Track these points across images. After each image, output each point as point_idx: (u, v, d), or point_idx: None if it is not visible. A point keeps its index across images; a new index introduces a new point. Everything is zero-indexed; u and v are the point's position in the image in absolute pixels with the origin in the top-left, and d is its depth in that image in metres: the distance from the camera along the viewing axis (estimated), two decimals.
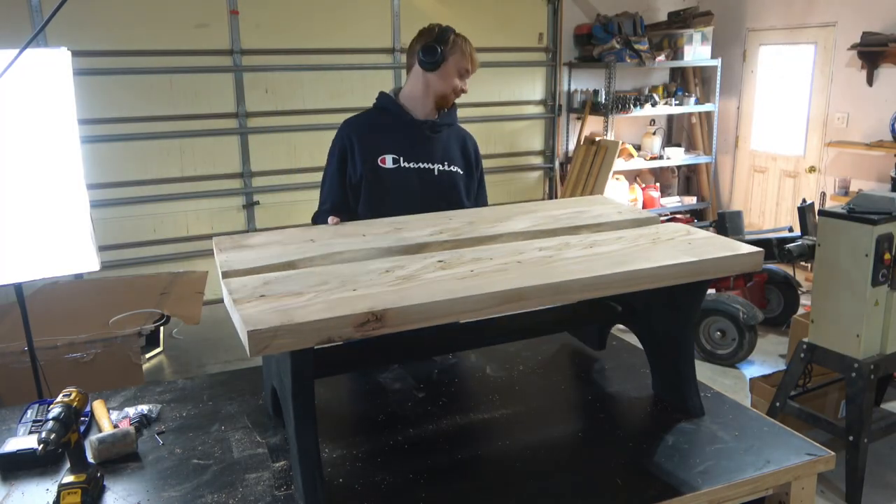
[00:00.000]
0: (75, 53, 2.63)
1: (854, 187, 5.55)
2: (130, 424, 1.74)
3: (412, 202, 2.14)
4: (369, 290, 1.43)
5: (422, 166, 2.25)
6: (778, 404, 3.22)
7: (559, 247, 1.72)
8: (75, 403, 1.48)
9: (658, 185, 6.93)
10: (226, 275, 1.54)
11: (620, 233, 1.85)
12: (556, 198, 6.68)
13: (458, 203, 2.26)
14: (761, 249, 1.69)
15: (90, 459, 1.58)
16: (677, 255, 1.63)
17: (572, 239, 1.79)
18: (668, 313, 1.84)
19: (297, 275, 1.54)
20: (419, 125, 2.26)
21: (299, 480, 1.45)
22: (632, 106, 6.30)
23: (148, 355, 4.49)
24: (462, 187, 2.30)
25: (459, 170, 2.31)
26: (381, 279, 1.49)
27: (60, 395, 1.50)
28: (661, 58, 6.36)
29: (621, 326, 3.01)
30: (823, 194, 5.82)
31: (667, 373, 1.87)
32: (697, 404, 1.80)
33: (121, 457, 1.63)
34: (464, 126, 2.43)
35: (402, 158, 2.23)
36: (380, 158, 2.22)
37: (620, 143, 6.17)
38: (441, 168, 2.27)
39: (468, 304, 1.39)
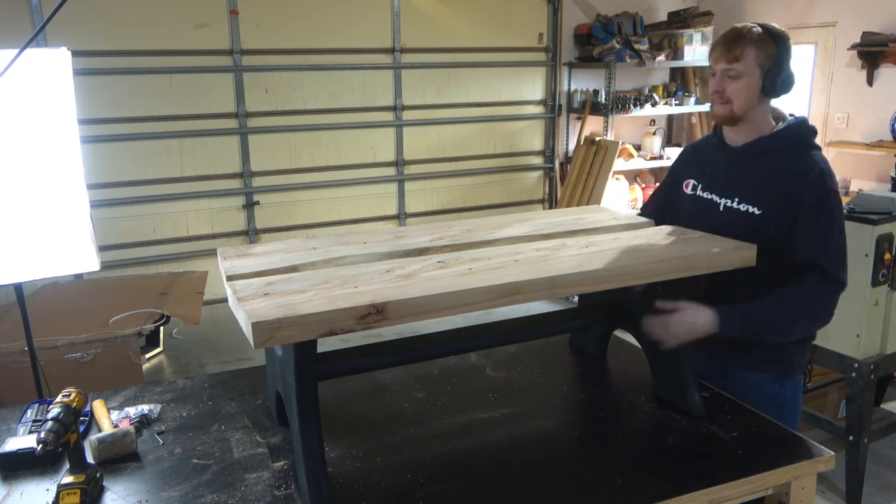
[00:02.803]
0: (75, 53, 2.63)
1: (854, 187, 5.55)
2: (130, 424, 1.74)
3: None
4: (370, 286, 1.45)
5: (711, 198, 1.95)
6: None
7: (556, 247, 1.74)
8: (74, 404, 1.48)
9: (658, 184, 6.93)
10: (230, 278, 1.56)
11: (616, 234, 1.87)
12: (556, 197, 6.69)
13: None
14: (754, 245, 1.70)
15: (90, 459, 1.58)
16: (670, 251, 1.67)
17: (569, 241, 1.82)
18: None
19: (300, 276, 1.56)
20: (726, 151, 1.94)
21: (303, 480, 1.46)
22: (632, 106, 6.30)
23: (148, 355, 4.49)
24: (755, 235, 1.78)
25: (756, 210, 1.84)
26: (381, 277, 1.52)
27: (60, 396, 1.50)
28: (661, 58, 6.36)
29: None
30: None
31: (666, 372, 1.87)
32: (697, 403, 1.80)
33: (120, 456, 1.63)
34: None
35: (700, 186, 1.99)
36: (685, 182, 2.04)
37: (620, 143, 6.17)
38: (728, 204, 1.90)
39: (467, 298, 1.42)
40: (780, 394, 1.92)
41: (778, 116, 1.93)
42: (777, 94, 1.87)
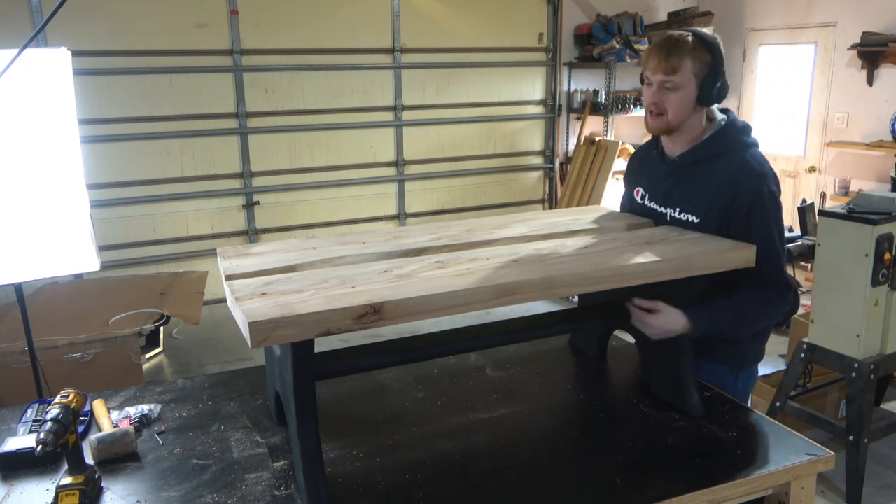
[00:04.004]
0: (75, 53, 2.63)
1: (854, 187, 5.55)
2: (130, 424, 1.74)
3: None
4: (368, 286, 1.45)
5: (656, 208, 1.99)
6: (778, 404, 3.22)
7: (555, 248, 1.74)
8: (73, 404, 1.48)
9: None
10: (229, 278, 1.57)
11: (616, 234, 1.87)
12: (556, 197, 6.69)
13: None
14: (752, 245, 1.71)
15: (89, 460, 1.58)
16: (669, 252, 1.67)
17: (568, 241, 1.82)
18: None
19: (298, 276, 1.56)
20: (665, 161, 1.97)
21: (301, 479, 1.46)
22: (632, 106, 6.30)
23: (148, 355, 4.50)
24: None
25: (694, 218, 1.88)
26: (379, 277, 1.52)
27: (58, 396, 1.50)
28: None
29: None
30: (823, 194, 5.82)
31: (665, 372, 1.87)
32: (697, 403, 1.80)
33: (120, 456, 1.63)
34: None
35: (647, 196, 2.03)
36: (636, 189, 2.09)
37: (620, 143, 6.17)
38: (672, 214, 1.93)
39: (463, 298, 1.42)
40: (734, 384, 1.97)
41: (712, 118, 1.92)
42: (712, 103, 1.85)
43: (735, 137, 1.87)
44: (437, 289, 1.42)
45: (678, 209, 1.92)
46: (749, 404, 2.00)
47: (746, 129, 1.90)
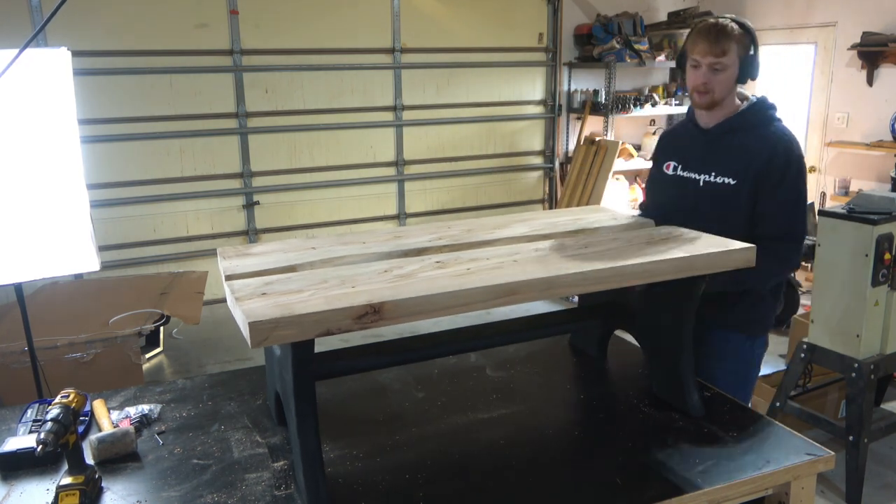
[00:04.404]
0: (75, 53, 2.63)
1: (854, 187, 5.55)
2: (130, 424, 1.74)
3: (683, 213, 2.02)
4: (368, 286, 1.45)
5: (691, 176, 2.15)
6: (778, 404, 3.22)
7: (555, 248, 1.74)
8: (73, 404, 1.48)
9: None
10: (229, 278, 1.57)
11: (616, 235, 1.87)
12: (556, 197, 6.69)
13: (724, 220, 1.97)
14: (752, 245, 1.71)
15: (89, 460, 1.58)
16: (669, 251, 1.68)
17: (568, 241, 1.82)
18: (666, 313, 1.85)
19: (298, 276, 1.56)
20: (701, 132, 2.17)
21: (301, 479, 1.46)
22: (632, 106, 6.30)
23: (148, 355, 4.50)
24: (733, 203, 2.05)
25: (730, 180, 2.06)
26: (379, 277, 1.52)
27: (59, 397, 1.50)
28: (661, 58, 6.36)
29: None
30: (823, 194, 5.82)
31: (666, 372, 1.88)
32: (697, 403, 1.80)
33: (120, 456, 1.64)
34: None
35: (680, 167, 2.20)
36: (665, 164, 2.26)
37: (620, 143, 6.17)
38: (707, 179, 2.11)
39: (463, 298, 1.42)
40: (751, 350, 2.17)
41: (742, 97, 2.16)
42: (746, 80, 2.09)
43: (765, 112, 2.13)
44: (437, 289, 1.42)
45: (713, 173, 2.11)
46: (754, 390, 2.17)
47: (774, 106, 2.15)
